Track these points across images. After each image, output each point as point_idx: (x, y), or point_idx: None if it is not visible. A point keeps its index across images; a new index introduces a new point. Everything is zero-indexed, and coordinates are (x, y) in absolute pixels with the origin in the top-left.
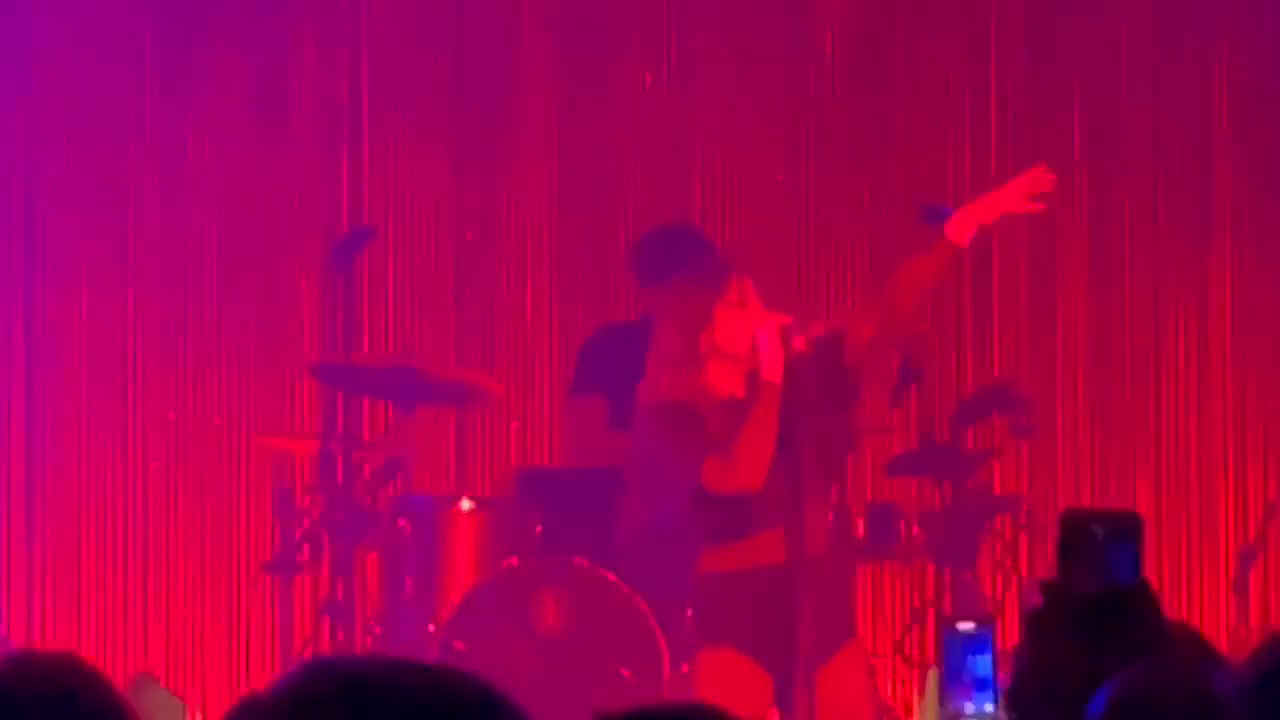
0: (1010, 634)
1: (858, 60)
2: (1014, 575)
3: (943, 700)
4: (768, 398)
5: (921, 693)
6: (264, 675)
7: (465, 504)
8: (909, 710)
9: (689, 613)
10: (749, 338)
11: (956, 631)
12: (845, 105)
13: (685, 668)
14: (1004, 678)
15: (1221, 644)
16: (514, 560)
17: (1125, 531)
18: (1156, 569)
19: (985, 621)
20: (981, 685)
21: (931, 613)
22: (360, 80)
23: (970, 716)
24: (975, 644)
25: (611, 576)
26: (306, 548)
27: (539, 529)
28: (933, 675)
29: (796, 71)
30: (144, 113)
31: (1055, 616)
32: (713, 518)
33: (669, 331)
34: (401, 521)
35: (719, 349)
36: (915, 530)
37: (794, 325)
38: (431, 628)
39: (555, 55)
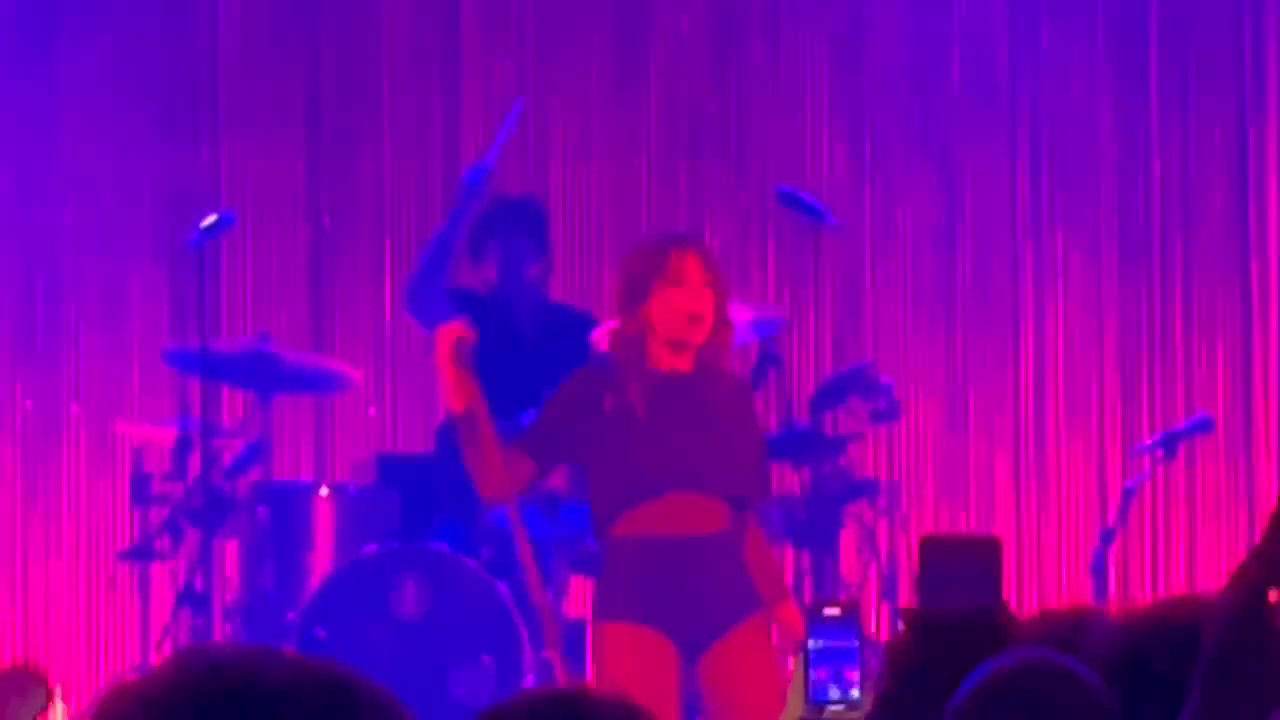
0: (871, 620)
1: (717, 46)
2: (873, 560)
3: (809, 686)
4: (679, 379)
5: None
6: (123, 664)
7: (324, 491)
8: None
9: (547, 596)
10: (684, 315)
11: (824, 617)
12: (701, 87)
13: (546, 654)
14: (872, 664)
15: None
16: (373, 547)
17: (984, 556)
18: (1016, 552)
19: (852, 607)
20: (849, 671)
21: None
22: (216, 63)
23: (837, 701)
24: (842, 629)
25: (471, 563)
26: (165, 536)
27: (398, 516)
28: (799, 661)
29: (654, 57)
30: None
31: (917, 644)
32: (617, 482)
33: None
34: (260, 509)
35: (654, 326)
36: (774, 515)
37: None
38: (291, 615)
39: (412, 43)
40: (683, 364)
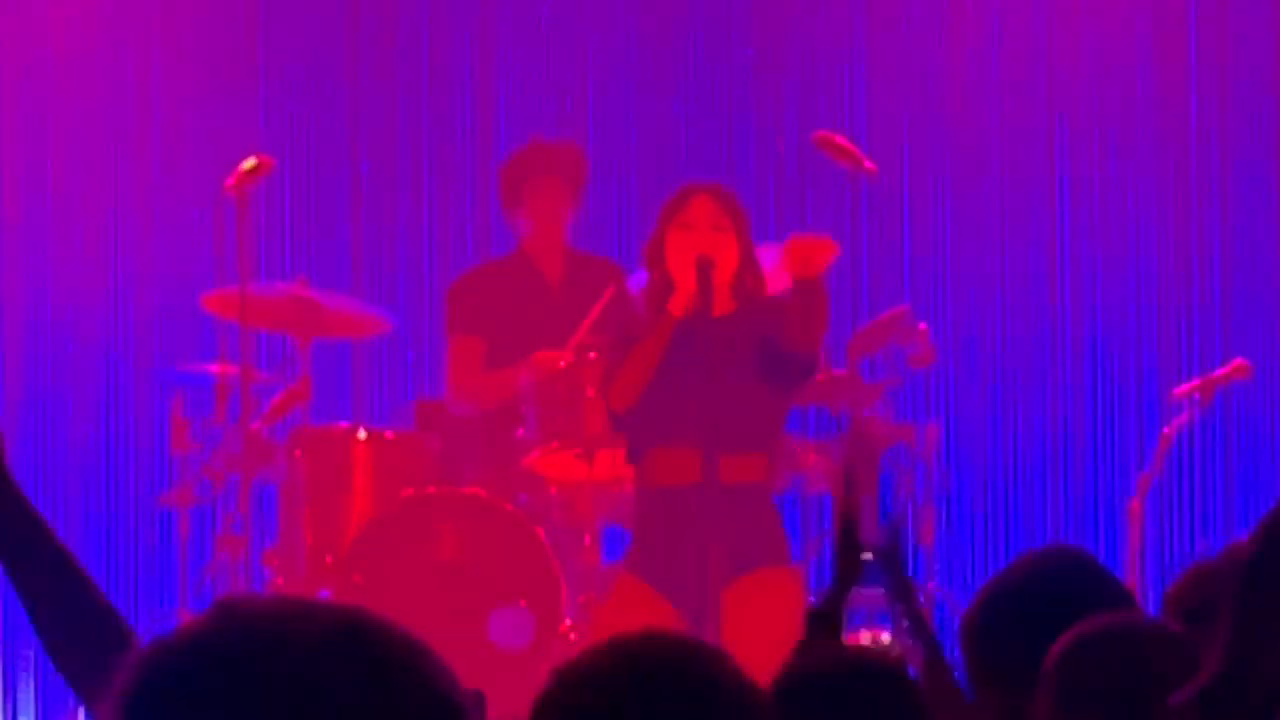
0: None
1: None
2: (910, 504)
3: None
4: (661, 326)
5: None
6: (161, 610)
7: (362, 435)
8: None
9: (586, 539)
10: (691, 258)
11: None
12: (739, 33)
13: (583, 598)
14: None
15: (1119, 569)
16: (410, 491)
17: None
18: (1054, 498)
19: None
20: (878, 616)
21: (829, 543)
22: (257, 7)
23: (868, 646)
24: (872, 575)
25: (509, 506)
26: (203, 480)
27: (436, 460)
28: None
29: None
30: (42, 39)
31: None
32: (626, 431)
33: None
34: (298, 453)
35: (668, 272)
36: (813, 460)
37: (710, 259)
38: (329, 559)
39: None
40: (718, 308)
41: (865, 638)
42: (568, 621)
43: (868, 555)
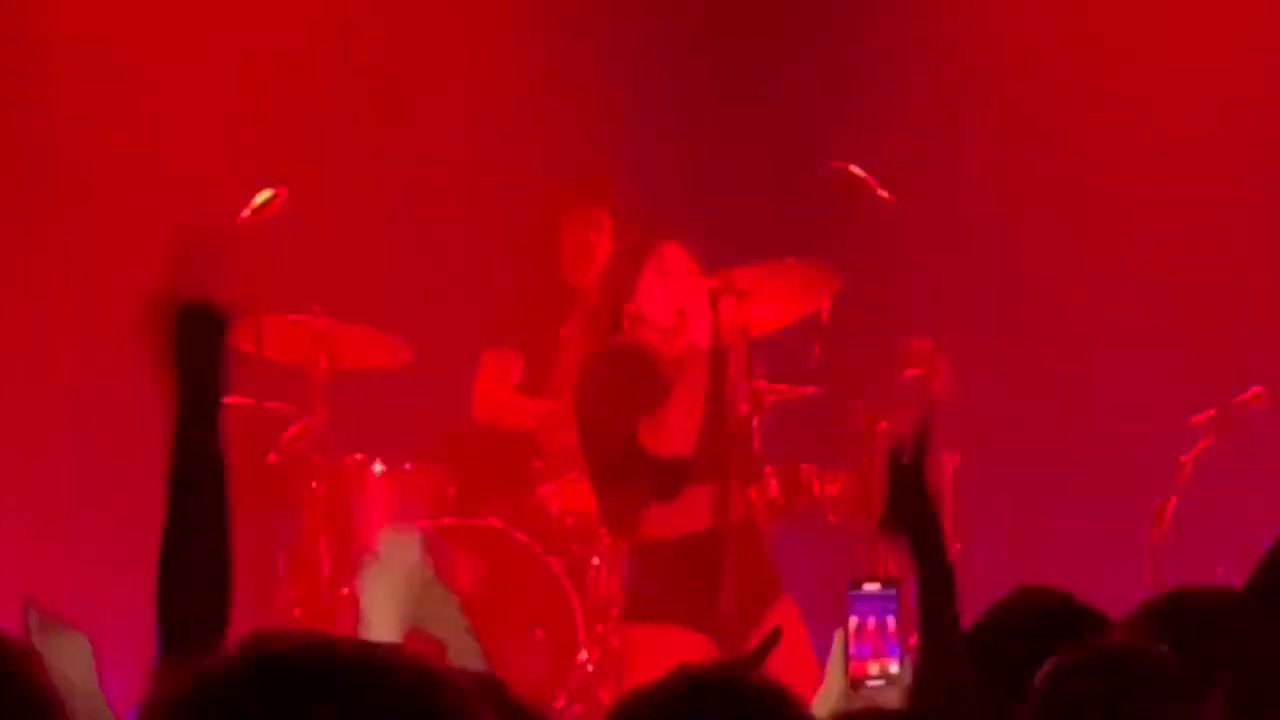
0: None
1: (770, 18)
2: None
3: (849, 661)
4: (694, 363)
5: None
6: None
7: (378, 466)
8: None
9: (603, 570)
10: (674, 306)
11: (863, 592)
12: (754, 61)
13: (600, 628)
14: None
15: (1139, 598)
16: (426, 522)
17: None
18: (1073, 527)
19: (892, 583)
20: (888, 646)
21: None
22: (275, 37)
23: (876, 677)
24: (882, 605)
25: (524, 537)
26: None
27: (452, 491)
28: (838, 636)
29: (694, 27)
30: (58, 74)
31: None
32: (639, 482)
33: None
34: (314, 484)
35: (643, 318)
36: (829, 490)
37: (723, 286)
38: (346, 591)
39: (464, 21)
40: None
41: (874, 669)
42: (584, 653)
43: (874, 586)
